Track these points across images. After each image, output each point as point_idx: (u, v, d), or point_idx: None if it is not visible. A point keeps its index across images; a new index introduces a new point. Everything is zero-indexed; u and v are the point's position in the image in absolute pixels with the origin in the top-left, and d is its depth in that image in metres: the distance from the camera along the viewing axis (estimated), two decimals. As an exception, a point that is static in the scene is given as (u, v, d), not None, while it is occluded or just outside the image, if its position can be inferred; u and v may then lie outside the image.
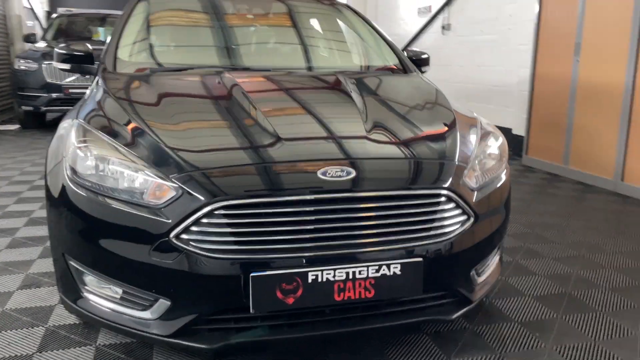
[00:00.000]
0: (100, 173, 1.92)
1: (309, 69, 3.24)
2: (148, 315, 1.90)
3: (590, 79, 5.24)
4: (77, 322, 2.40)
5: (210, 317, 1.85)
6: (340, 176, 1.86)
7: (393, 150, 2.12)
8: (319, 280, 1.82)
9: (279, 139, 2.04)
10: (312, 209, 1.81)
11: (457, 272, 2.06)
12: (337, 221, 1.84)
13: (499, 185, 2.22)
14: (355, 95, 2.53)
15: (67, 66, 3.05)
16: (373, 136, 2.14)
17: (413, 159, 2.05)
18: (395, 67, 3.25)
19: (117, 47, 2.96)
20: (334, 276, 1.83)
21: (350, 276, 1.84)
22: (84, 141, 2.03)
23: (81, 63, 3.04)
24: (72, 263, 2.02)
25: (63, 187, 2.00)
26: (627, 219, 4.09)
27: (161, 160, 1.90)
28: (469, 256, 2.06)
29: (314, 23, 3.68)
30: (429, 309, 2.05)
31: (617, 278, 2.97)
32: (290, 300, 1.81)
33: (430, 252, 1.93)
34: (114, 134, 2.07)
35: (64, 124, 2.32)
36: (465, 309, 2.10)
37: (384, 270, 1.87)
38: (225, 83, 2.59)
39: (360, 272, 1.85)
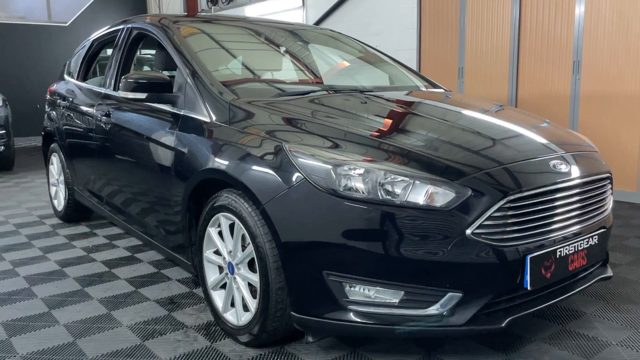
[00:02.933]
0: (381, 187, 2.04)
1: (393, 87, 3.59)
2: (435, 311, 2.07)
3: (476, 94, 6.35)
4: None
5: (493, 300, 2.10)
6: (562, 168, 2.28)
7: (570, 145, 2.57)
8: (562, 255, 2.22)
9: (497, 141, 2.39)
10: (561, 195, 2.21)
11: (609, 238, 2.62)
12: (570, 204, 2.26)
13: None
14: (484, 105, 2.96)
15: (142, 95, 2.88)
16: (546, 137, 2.59)
17: (587, 152, 2.55)
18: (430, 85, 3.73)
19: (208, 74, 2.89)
20: (569, 250, 2.24)
21: (576, 249, 2.28)
22: (341, 159, 2.11)
23: (160, 92, 2.89)
24: (333, 278, 2.07)
25: (329, 207, 2.05)
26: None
27: (431, 166, 2.10)
28: (612, 225, 2.64)
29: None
30: (596, 271, 2.56)
31: None
32: (548, 275, 2.18)
33: (606, 223, 2.46)
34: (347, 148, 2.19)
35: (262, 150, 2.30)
36: (609, 266, 2.66)
37: (590, 241, 2.34)
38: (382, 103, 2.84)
39: (580, 245, 2.30)
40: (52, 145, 4.77)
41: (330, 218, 2.06)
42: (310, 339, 2.26)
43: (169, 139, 2.82)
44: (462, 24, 6.58)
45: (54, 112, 4.64)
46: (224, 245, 2.50)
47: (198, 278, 2.74)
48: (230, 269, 2.47)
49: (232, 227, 2.43)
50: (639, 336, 2.50)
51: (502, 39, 6.19)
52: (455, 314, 2.06)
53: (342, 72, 3.82)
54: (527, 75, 6.01)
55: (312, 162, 2.12)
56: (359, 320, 2.09)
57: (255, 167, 2.27)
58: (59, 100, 4.55)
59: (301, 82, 3.44)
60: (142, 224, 3.25)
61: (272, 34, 3.68)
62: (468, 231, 2.00)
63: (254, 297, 2.33)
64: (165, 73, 3.21)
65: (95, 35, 4.42)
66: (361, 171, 2.06)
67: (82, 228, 4.58)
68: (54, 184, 4.86)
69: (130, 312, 2.84)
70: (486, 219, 2.02)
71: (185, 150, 2.69)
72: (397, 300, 2.07)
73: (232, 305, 2.50)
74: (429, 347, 2.41)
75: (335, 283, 2.08)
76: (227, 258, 2.48)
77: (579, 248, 2.29)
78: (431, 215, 2.01)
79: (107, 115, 3.54)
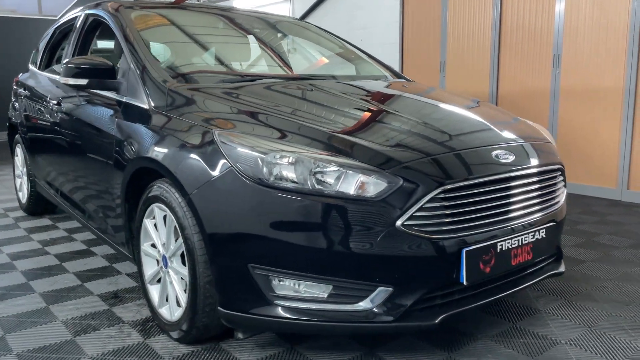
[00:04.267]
0: (313, 176, 1.93)
1: (358, 77, 3.50)
2: (364, 306, 1.97)
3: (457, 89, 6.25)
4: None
5: (427, 296, 2.00)
6: (507, 158, 2.18)
7: (520, 137, 2.45)
8: (503, 249, 2.11)
9: (443, 131, 2.29)
10: (502, 186, 2.11)
11: (561, 232, 2.52)
12: (513, 196, 2.16)
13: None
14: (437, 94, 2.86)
15: (83, 81, 2.77)
16: (495, 126, 2.48)
17: (536, 142, 2.45)
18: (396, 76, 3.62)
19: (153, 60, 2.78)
20: (511, 244, 2.14)
21: (520, 243, 2.17)
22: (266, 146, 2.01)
23: (102, 78, 2.78)
24: (259, 272, 1.98)
25: (255, 197, 1.95)
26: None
27: (363, 155, 2.00)
28: (565, 219, 2.54)
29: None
30: (547, 266, 2.46)
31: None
32: (488, 270, 2.07)
33: (556, 216, 2.36)
34: (282, 136, 2.08)
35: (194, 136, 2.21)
36: (562, 262, 2.56)
37: (537, 235, 2.24)
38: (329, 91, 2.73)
39: (525, 239, 2.19)
40: (15, 136, 4.68)
41: (256, 209, 1.96)
42: (240, 335, 2.17)
43: (110, 127, 2.72)
44: (444, 18, 6.47)
45: (17, 103, 4.54)
46: (159, 238, 2.40)
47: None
48: (165, 263, 2.37)
49: (167, 219, 2.33)
50: (592, 335, 2.40)
51: (483, 34, 6.09)
52: (386, 310, 1.96)
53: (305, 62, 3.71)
54: (508, 70, 5.90)
55: (239, 149, 2.01)
56: (286, 315, 1.99)
57: (184, 155, 2.17)
58: (19, 90, 4.45)
59: (254, 72, 3.32)
60: (91, 217, 3.16)
61: (234, 22, 3.58)
62: (398, 222, 1.90)
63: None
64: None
65: (58, 23, 4.32)
66: (291, 159, 1.95)
67: (45, 221, 4.48)
68: (18, 176, 4.77)
69: (69, 307, 2.74)
70: (418, 210, 1.92)
71: (123, 138, 2.59)
72: (325, 295, 1.98)
73: (168, 300, 2.40)
74: (370, 344, 2.32)
75: (261, 277, 1.98)
76: (162, 251, 2.38)
77: (524, 242, 2.18)
78: (361, 206, 1.90)
79: (59, 104, 3.45)
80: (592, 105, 5.27)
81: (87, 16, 3.58)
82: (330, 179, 1.93)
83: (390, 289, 1.95)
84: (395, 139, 2.17)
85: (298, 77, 3.17)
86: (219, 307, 2.09)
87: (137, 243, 2.56)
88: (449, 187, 1.96)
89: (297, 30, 3.95)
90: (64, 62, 2.78)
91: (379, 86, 3.11)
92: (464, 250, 1.98)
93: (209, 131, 2.13)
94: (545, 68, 5.57)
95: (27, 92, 4.27)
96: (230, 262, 2.02)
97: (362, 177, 1.92)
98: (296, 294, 1.99)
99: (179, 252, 2.26)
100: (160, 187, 2.28)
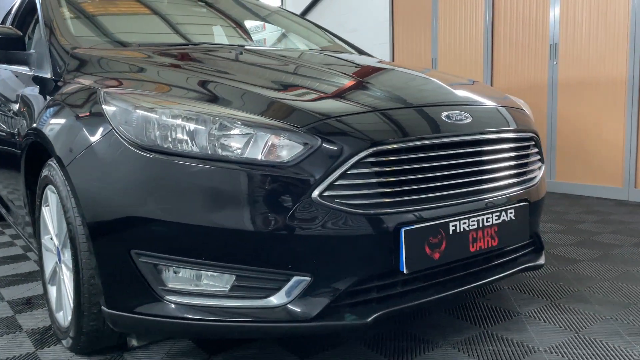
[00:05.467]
0: (213, 138, 1.54)
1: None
2: (277, 301, 1.56)
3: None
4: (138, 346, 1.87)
5: (354, 288, 1.58)
6: (462, 120, 1.77)
7: (482, 99, 2.04)
8: (457, 230, 1.69)
9: (384, 90, 1.90)
10: (455, 152, 1.69)
11: (539, 217, 2.08)
12: (470, 165, 1.74)
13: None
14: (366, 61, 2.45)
15: (-13, 54, 2.42)
16: (453, 88, 2.08)
17: (502, 107, 2.03)
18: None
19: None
20: (469, 225, 1.72)
21: (481, 224, 1.75)
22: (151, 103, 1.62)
23: (8, 49, 2.42)
24: (145, 260, 1.57)
25: (138, 165, 1.56)
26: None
27: (275, 112, 1.60)
28: (543, 201, 2.10)
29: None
30: (522, 258, 2.02)
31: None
32: (437, 256, 1.65)
33: (530, 196, 1.93)
34: (183, 92, 1.70)
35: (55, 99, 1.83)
36: (543, 254, 2.12)
37: (503, 216, 1.81)
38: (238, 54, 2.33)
39: (487, 220, 1.77)
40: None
41: (139, 180, 1.56)
42: (134, 342, 1.76)
43: (14, 106, 2.36)
44: (434, 12, 6.10)
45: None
46: (54, 227, 2.01)
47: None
48: (59, 256, 1.98)
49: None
50: (578, 341, 1.95)
51: (475, 26, 5.70)
52: (304, 306, 1.54)
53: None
54: (502, 62, 5.49)
55: (124, 108, 1.63)
56: (179, 314, 1.58)
57: (65, 122, 1.80)
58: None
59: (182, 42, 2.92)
60: (12, 213, 2.78)
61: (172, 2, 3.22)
62: (315, 193, 1.50)
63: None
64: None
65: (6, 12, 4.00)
66: (187, 119, 1.56)
67: (-6, 228, 4.12)
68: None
69: (-33, 314, 2.35)
70: (340, 177, 1.52)
71: (21, 114, 2.22)
72: (227, 288, 1.56)
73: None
74: (304, 352, 1.89)
75: (147, 266, 1.58)
76: (56, 242, 1.99)
77: (485, 223, 1.76)
78: (271, 174, 1.51)
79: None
80: (593, 97, 4.83)
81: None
82: (236, 143, 1.53)
83: (308, 279, 1.54)
84: (319, 96, 1.77)
85: (231, 45, 2.79)
86: (103, 307, 1.68)
87: (38, 236, 2.17)
88: (381, 148, 1.55)
89: (271, 17, 3.58)
90: (-35, 32, 2.43)
91: (326, 58, 2.70)
92: (403, 230, 1.57)
93: (95, 91, 1.75)
94: (542, 59, 5.15)
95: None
96: (110, 248, 1.62)
97: (273, 139, 1.52)
98: (194, 288, 1.59)
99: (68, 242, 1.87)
100: (49, 165, 1.90)
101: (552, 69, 5.07)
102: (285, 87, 1.86)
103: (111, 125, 1.61)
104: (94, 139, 1.64)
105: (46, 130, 1.86)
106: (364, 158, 1.53)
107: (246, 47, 2.79)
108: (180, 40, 2.83)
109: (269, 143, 1.53)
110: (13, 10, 3.39)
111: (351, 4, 7.34)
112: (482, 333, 2.03)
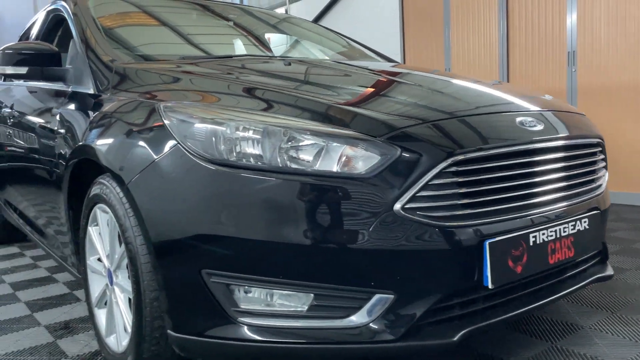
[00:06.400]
0: (283, 151, 1.47)
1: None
2: (358, 321, 1.47)
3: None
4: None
5: (440, 305, 1.50)
6: (534, 126, 1.70)
7: (547, 105, 1.99)
8: (537, 242, 1.62)
9: (456, 98, 1.84)
10: (531, 160, 1.63)
11: (605, 225, 2.01)
12: (545, 173, 1.67)
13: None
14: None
15: (22, 70, 2.34)
16: (518, 96, 2.02)
17: (567, 112, 1.97)
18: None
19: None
20: (547, 236, 1.65)
21: (558, 234, 1.68)
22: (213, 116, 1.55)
23: (46, 65, 2.35)
24: (217, 280, 1.49)
25: (209, 181, 1.48)
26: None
27: (346, 121, 1.53)
28: (609, 209, 2.04)
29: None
30: (591, 269, 1.95)
31: None
32: (519, 269, 1.58)
33: (600, 204, 1.87)
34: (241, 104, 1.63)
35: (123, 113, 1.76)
36: (609, 264, 2.05)
37: (578, 225, 1.75)
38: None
39: (564, 230, 1.70)
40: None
41: (210, 196, 1.48)
42: (199, 367, 1.67)
43: (53, 124, 2.29)
44: (446, 22, 6.08)
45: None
46: (103, 248, 1.93)
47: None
48: (110, 278, 1.89)
49: (110, 222, 1.87)
50: (653, 354, 1.87)
51: (489, 35, 5.67)
52: (387, 325, 1.46)
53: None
54: (519, 71, 5.45)
55: (189, 121, 1.56)
56: (254, 337, 1.49)
57: (122, 137, 1.72)
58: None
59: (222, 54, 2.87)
60: (45, 235, 2.69)
61: (208, 10, 3.16)
62: (397, 205, 1.42)
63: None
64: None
65: (23, 30, 3.94)
66: (255, 131, 1.49)
67: (13, 249, 4.02)
68: (-15, 201, 4.32)
69: (7, 341, 2.26)
70: (422, 188, 1.44)
71: (64, 131, 2.15)
72: (305, 308, 1.48)
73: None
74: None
75: (219, 286, 1.50)
76: (107, 264, 1.91)
77: (562, 234, 1.69)
78: (348, 187, 1.43)
79: (12, 108, 3.03)
80: (614, 104, 4.79)
81: (48, 14, 3.19)
82: (306, 156, 1.46)
83: (391, 296, 1.46)
84: (392, 105, 1.71)
85: (276, 57, 2.73)
86: (169, 331, 1.60)
87: (82, 258, 2.09)
88: (461, 157, 1.49)
89: (287, 26, 3.53)
90: (0, 48, 2.36)
91: (376, 65, 2.65)
92: (487, 243, 1.49)
93: (152, 104, 1.68)
94: (560, 66, 5.12)
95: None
96: (178, 268, 1.53)
97: (347, 150, 1.45)
98: (268, 308, 1.50)
99: (124, 263, 1.79)
100: (101, 183, 1.82)
101: (570, 76, 5.03)
102: (348, 96, 1.80)
103: (176, 140, 1.54)
104: (157, 154, 1.56)
105: (99, 147, 1.79)
106: (446, 167, 1.46)
107: (291, 58, 2.73)
108: (215, 52, 2.77)
109: (344, 154, 1.46)
110: (35, 28, 3.32)
111: (360, 16, 7.31)
112: (551, 348, 1.95)
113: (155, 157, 1.57)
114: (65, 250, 2.35)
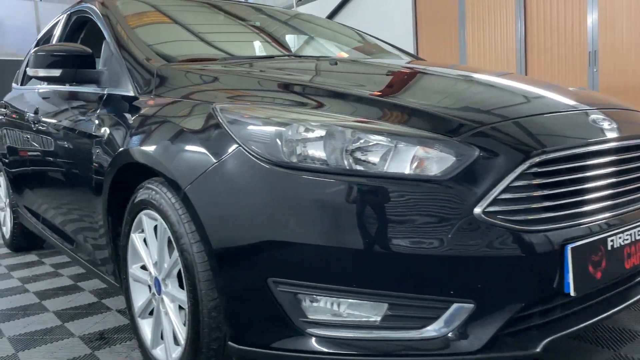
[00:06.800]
0: (349, 154, 1.40)
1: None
2: (435, 331, 1.39)
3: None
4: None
5: (521, 314, 1.42)
6: (606, 124, 1.63)
7: (610, 102, 1.92)
8: (615, 246, 1.55)
9: (514, 93, 1.76)
10: (607, 160, 1.55)
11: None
12: (619, 174, 1.60)
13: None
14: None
15: (56, 72, 2.26)
16: (576, 92, 1.95)
17: (630, 110, 1.90)
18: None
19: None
20: (624, 240, 1.57)
21: (633, 238, 1.61)
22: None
23: (79, 67, 2.27)
24: (284, 289, 1.41)
25: (274, 185, 1.41)
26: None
27: (417, 121, 1.46)
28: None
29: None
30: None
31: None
32: (599, 275, 1.50)
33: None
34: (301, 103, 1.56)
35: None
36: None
37: (652, 227, 1.66)
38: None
39: (638, 233, 1.62)
40: (-2, 164, 4.17)
41: (277, 201, 1.40)
42: (259, 380, 1.58)
43: (89, 127, 2.20)
44: (461, 22, 6.01)
45: (-1, 127, 4.04)
46: (149, 255, 1.85)
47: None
48: (157, 287, 1.81)
49: (158, 229, 1.79)
50: None
51: (506, 35, 5.60)
52: (467, 335, 1.38)
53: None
54: (537, 71, 5.39)
55: (249, 123, 1.48)
56: (323, 349, 1.41)
57: (175, 140, 1.64)
58: (0, 110, 3.97)
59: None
60: (76, 243, 2.60)
61: (234, 12, 3.09)
62: (477, 209, 1.34)
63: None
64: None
65: (40, 34, 3.87)
66: (320, 132, 1.41)
67: (31, 257, 3.93)
68: (1, 208, 4.24)
69: (41, 352, 2.17)
70: (503, 191, 1.36)
71: (103, 135, 2.07)
72: (378, 319, 1.40)
73: (164, 337, 1.83)
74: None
75: (286, 295, 1.42)
76: (154, 273, 1.82)
77: (637, 237, 1.61)
78: (423, 190, 1.35)
79: (36, 112, 2.95)
80: (637, 104, 4.72)
81: (70, 16, 3.11)
82: (374, 157, 1.38)
83: (471, 306, 1.38)
84: (459, 102, 1.63)
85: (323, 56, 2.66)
86: (229, 342, 1.52)
87: (123, 266, 2.00)
88: (542, 157, 1.41)
89: (310, 25, 3.46)
90: (33, 51, 2.28)
91: (419, 64, 2.57)
92: (569, 247, 1.41)
93: (206, 106, 1.60)
94: (581, 66, 5.05)
95: (7, 111, 3.79)
96: (242, 277, 1.46)
97: (420, 150, 1.38)
98: (336, 318, 1.42)
99: (175, 271, 1.71)
100: (148, 188, 1.74)
101: (592, 76, 4.97)
102: (408, 95, 1.72)
103: (237, 142, 1.46)
104: (217, 158, 1.49)
105: (147, 151, 1.71)
106: (528, 168, 1.38)
107: (333, 57, 2.65)
108: (247, 53, 2.69)
109: (417, 155, 1.38)
110: (57, 30, 3.24)
111: (371, 16, 7.25)
112: (615, 356, 1.87)
113: (214, 160, 1.49)
114: (99, 259, 2.26)
